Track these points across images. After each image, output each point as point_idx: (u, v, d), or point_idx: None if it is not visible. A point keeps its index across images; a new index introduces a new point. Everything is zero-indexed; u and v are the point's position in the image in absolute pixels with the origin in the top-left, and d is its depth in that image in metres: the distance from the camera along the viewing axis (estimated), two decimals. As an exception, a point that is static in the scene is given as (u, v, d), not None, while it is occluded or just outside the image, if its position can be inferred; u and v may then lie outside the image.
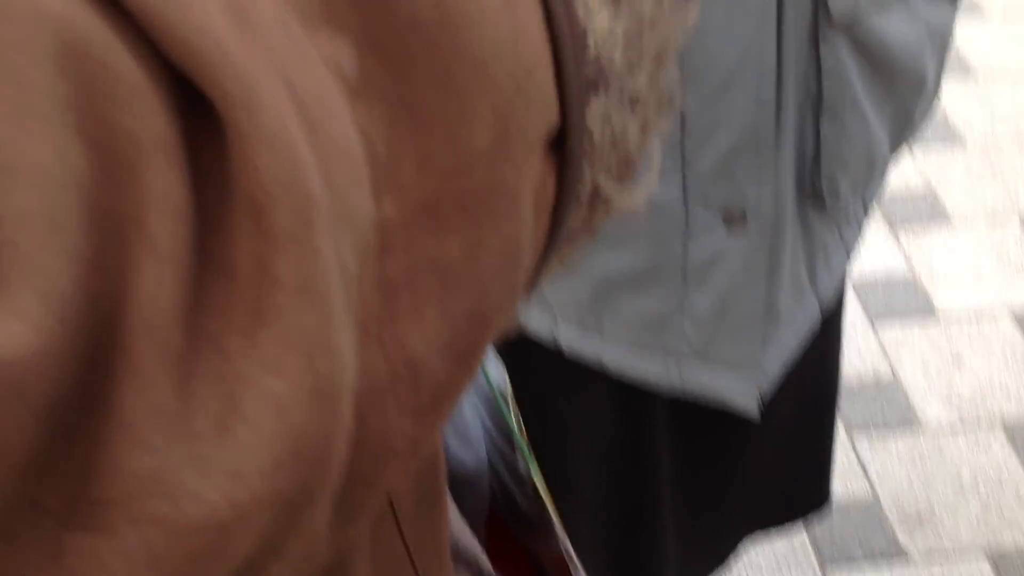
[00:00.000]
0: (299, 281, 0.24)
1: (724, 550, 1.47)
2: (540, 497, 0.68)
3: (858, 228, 1.27)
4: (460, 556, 0.58)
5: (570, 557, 0.67)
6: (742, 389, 1.18)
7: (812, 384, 1.37)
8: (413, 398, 0.28)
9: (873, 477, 2.23)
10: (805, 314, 1.23)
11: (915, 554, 2.09)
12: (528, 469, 0.67)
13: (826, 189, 1.14)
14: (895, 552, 2.09)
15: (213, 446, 0.23)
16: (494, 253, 0.28)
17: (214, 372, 0.24)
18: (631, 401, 1.26)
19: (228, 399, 0.24)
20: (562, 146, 0.31)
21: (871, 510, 2.17)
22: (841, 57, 1.09)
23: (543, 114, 0.29)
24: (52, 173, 0.21)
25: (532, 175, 0.29)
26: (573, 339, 1.21)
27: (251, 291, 0.24)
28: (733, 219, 1.09)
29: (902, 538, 2.11)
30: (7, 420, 0.21)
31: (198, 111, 0.24)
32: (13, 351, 0.20)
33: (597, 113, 0.31)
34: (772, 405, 1.24)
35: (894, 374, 2.46)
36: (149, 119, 0.23)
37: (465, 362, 0.29)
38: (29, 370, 0.20)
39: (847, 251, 1.26)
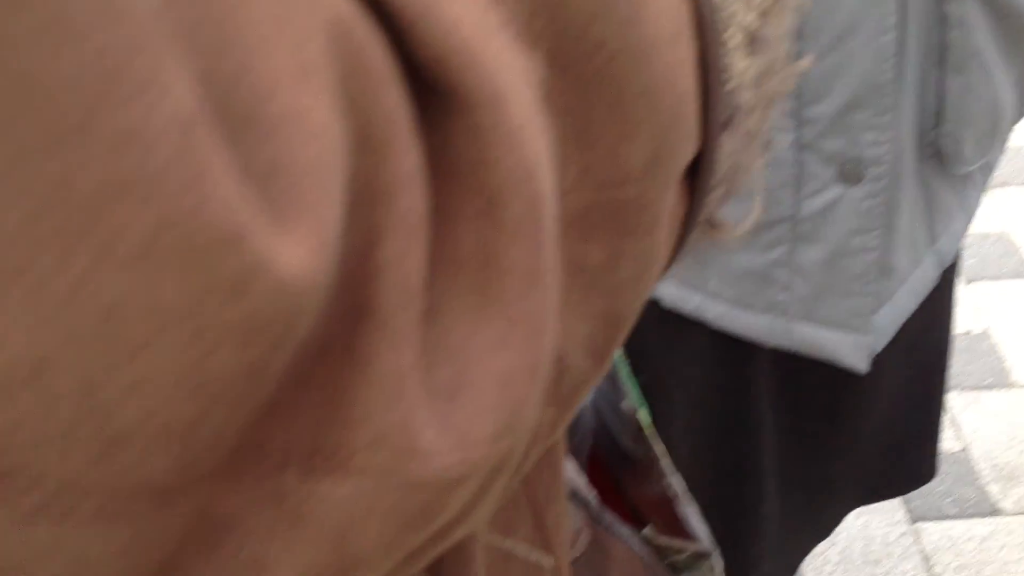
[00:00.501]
0: (527, 269, 0.26)
1: (827, 520, 1.44)
2: (644, 437, 0.67)
3: (979, 191, 1.23)
4: (571, 494, 0.58)
5: (677, 494, 0.67)
6: (852, 347, 1.15)
7: (924, 347, 1.32)
8: (555, 390, 0.30)
9: (965, 434, 2.20)
10: (923, 275, 1.19)
11: (1007, 510, 2.05)
12: (633, 407, 0.66)
13: (948, 147, 1.11)
14: (987, 508, 2.05)
15: (449, 406, 0.25)
16: (631, 263, 0.30)
17: (443, 344, 0.25)
18: (733, 354, 1.23)
19: (458, 369, 0.25)
20: (694, 177, 0.33)
21: (963, 466, 2.14)
22: (968, 9, 1.04)
23: (689, 144, 0.31)
24: (329, 131, 0.22)
25: (670, 198, 0.32)
26: (674, 295, 1.20)
27: (479, 275, 0.26)
28: (848, 173, 1.06)
29: (994, 494, 2.07)
30: (279, 340, 0.21)
31: (423, 105, 0.25)
32: (295, 272, 0.21)
33: (726, 149, 0.33)
34: (882, 366, 1.20)
35: (987, 332, 2.42)
36: (400, 104, 0.24)
37: (600, 359, 0.31)
38: (304, 294, 0.21)
39: (968, 214, 1.22)
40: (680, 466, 1.27)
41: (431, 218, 0.25)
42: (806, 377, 1.25)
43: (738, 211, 0.39)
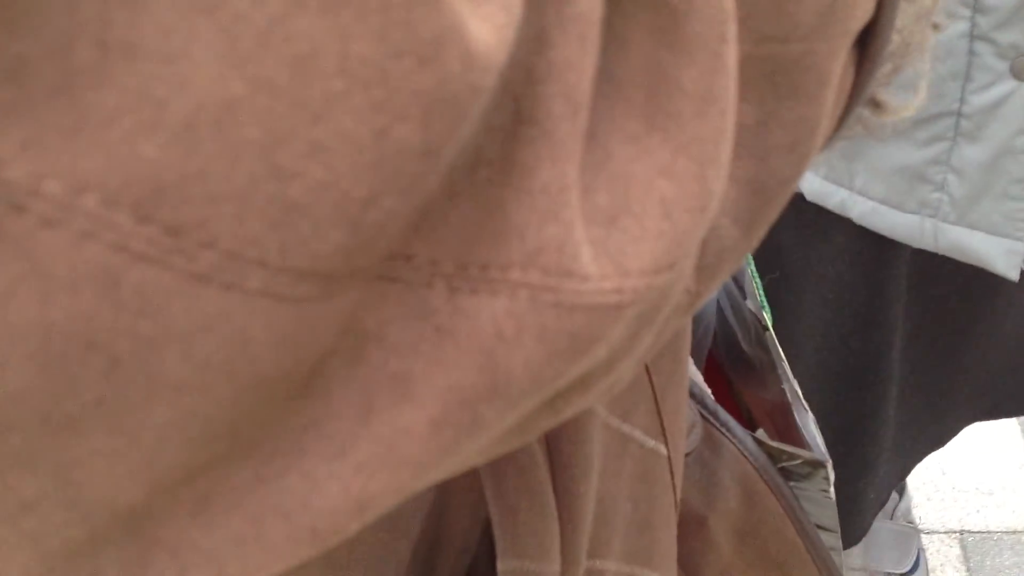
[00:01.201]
0: (704, 91, 0.24)
1: (945, 432, 1.41)
2: (764, 341, 0.63)
3: None
4: (688, 388, 0.57)
5: (793, 390, 0.65)
6: (1005, 254, 1.10)
7: None
8: (701, 256, 0.28)
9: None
10: None
11: None
12: (758, 307, 0.62)
13: None
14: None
15: (606, 232, 0.23)
16: (787, 128, 0.29)
17: (603, 169, 0.23)
18: (872, 255, 1.19)
19: (619, 195, 0.23)
20: (866, 44, 0.31)
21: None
22: None
23: (867, 4, 0.29)
24: None
25: (840, 62, 0.29)
26: (816, 189, 1.16)
27: (648, 96, 0.24)
28: (1023, 67, 0.98)
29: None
30: (457, 120, 0.20)
31: None
32: (483, 49, 0.19)
33: (902, 19, 0.31)
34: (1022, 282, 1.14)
35: None
36: None
37: (748, 229, 0.29)
38: (489, 72, 0.20)
39: None
40: (803, 365, 1.27)
41: (604, 27, 0.23)
42: (945, 284, 1.22)
43: (901, 99, 0.36)
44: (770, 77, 0.27)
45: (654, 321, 0.26)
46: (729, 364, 0.67)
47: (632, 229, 0.23)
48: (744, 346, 0.65)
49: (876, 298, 1.22)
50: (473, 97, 0.20)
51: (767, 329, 0.63)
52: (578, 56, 0.22)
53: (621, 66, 0.24)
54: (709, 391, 0.58)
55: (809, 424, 0.61)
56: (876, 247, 1.17)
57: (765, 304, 0.64)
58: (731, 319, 0.66)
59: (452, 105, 0.19)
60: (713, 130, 0.24)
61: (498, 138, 0.22)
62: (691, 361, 0.60)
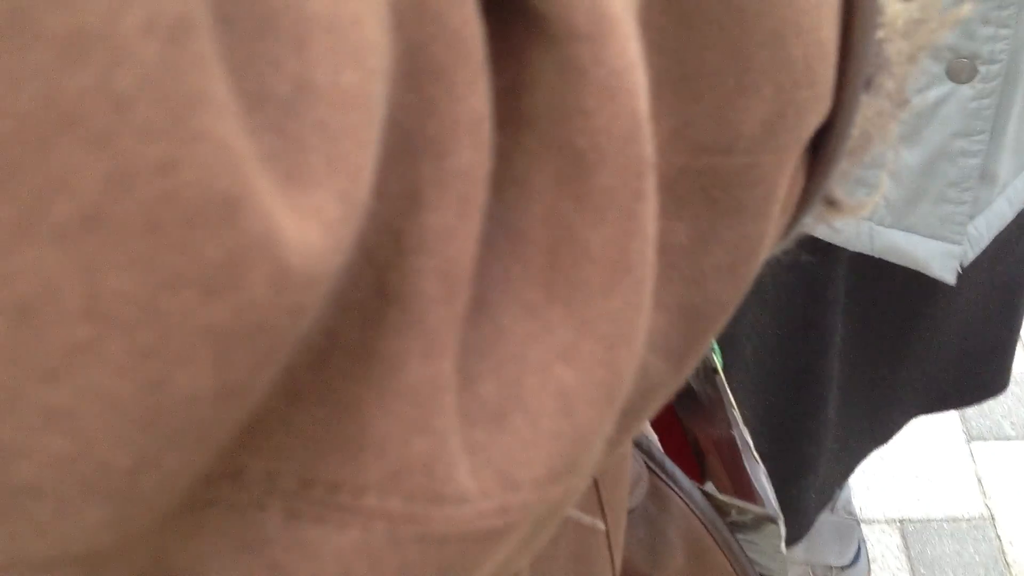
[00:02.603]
0: (615, 258, 0.20)
1: (888, 429, 1.42)
2: (714, 379, 0.65)
3: None
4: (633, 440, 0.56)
5: (743, 439, 0.64)
6: (942, 257, 1.09)
7: (1011, 260, 1.27)
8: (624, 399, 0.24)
9: (1032, 353, 2.11)
10: None
11: (1069, 437, 1.97)
12: (707, 351, 0.60)
13: None
14: (1048, 433, 1.97)
15: (490, 435, 0.19)
16: (727, 248, 0.25)
17: (491, 351, 0.20)
18: (811, 257, 1.18)
19: (508, 385, 0.20)
20: (820, 145, 0.27)
21: (1026, 387, 2.05)
22: None
23: (823, 105, 0.25)
24: (375, 50, 0.16)
25: (789, 173, 0.26)
26: None
27: (547, 262, 0.20)
28: (959, 70, 0.99)
29: (1057, 419, 1.99)
30: (272, 349, 0.16)
31: (499, 33, 0.20)
32: (304, 259, 0.15)
33: (863, 113, 0.28)
34: (965, 277, 1.16)
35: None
36: (471, 23, 0.18)
37: (679, 362, 0.26)
38: (314, 286, 0.16)
39: None
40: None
41: (493, 183, 0.20)
42: (884, 285, 1.22)
43: (858, 197, 0.32)
44: (708, 192, 0.24)
45: (555, 519, 0.22)
46: (676, 400, 0.65)
47: (523, 430, 0.20)
48: (692, 383, 0.63)
49: (814, 301, 1.21)
50: (293, 319, 0.16)
51: (716, 372, 0.61)
52: (458, 222, 0.18)
53: (520, 215, 0.20)
54: (656, 439, 0.56)
55: (760, 477, 0.59)
56: (813, 250, 1.16)
57: (715, 346, 0.62)
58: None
59: (258, 336, 0.15)
60: (625, 305, 0.21)
61: (357, 320, 0.18)
62: None
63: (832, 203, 0.30)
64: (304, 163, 0.15)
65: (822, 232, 1.11)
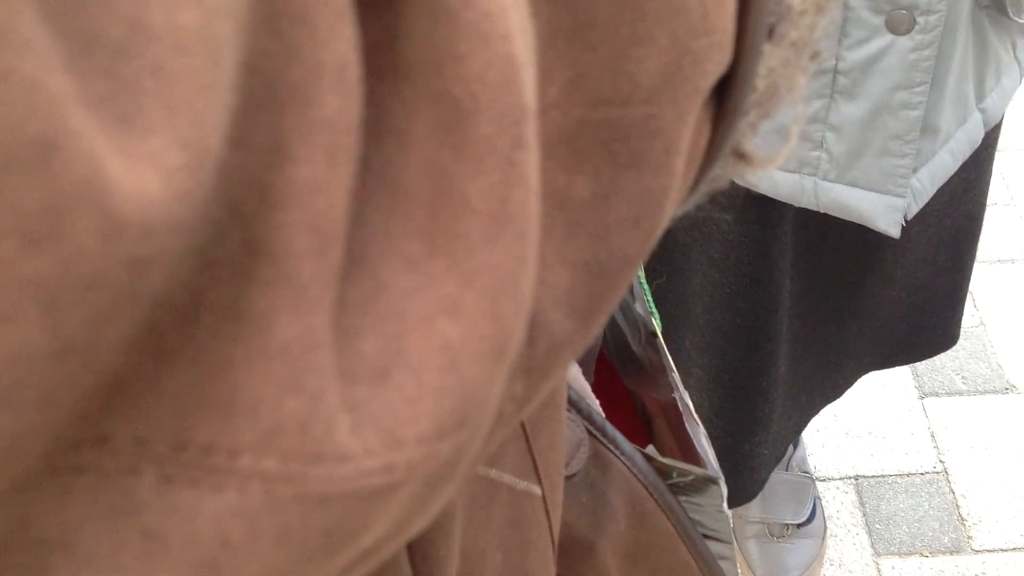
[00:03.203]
0: (496, 208, 0.20)
1: (840, 384, 1.44)
2: (655, 344, 0.64)
3: None
4: (572, 402, 0.55)
5: (683, 402, 0.63)
6: (886, 210, 1.10)
7: (957, 214, 1.29)
8: (528, 356, 0.24)
9: (982, 308, 2.12)
10: (967, 134, 1.13)
11: (1020, 387, 2.00)
12: (646, 311, 0.60)
13: None
14: (999, 385, 2.00)
15: (372, 391, 0.19)
16: (630, 202, 0.25)
17: (372, 306, 0.19)
18: (755, 214, 1.19)
19: (389, 341, 0.19)
20: (721, 97, 0.27)
21: (977, 341, 2.08)
22: None
23: (721, 55, 0.25)
24: None
25: (691, 124, 0.25)
26: None
27: (427, 213, 0.20)
28: (898, 21, 0.99)
29: (1008, 371, 2.01)
30: (111, 304, 0.15)
31: None
32: (139, 208, 0.14)
33: (767, 63, 0.27)
34: (912, 230, 1.15)
35: (1013, 203, 2.32)
36: None
37: (586, 318, 0.25)
38: (155, 238, 0.15)
39: (1020, 71, 1.18)
40: (693, 324, 1.26)
41: (366, 132, 0.19)
42: (830, 241, 1.23)
43: (768, 148, 0.32)
44: (608, 144, 0.23)
45: (453, 476, 0.22)
46: (619, 365, 0.65)
47: (406, 386, 0.19)
48: (634, 347, 0.62)
49: (762, 257, 1.22)
50: (134, 273, 0.15)
51: (656, 335, 0.60)
52: (326, 174, 0.18)
53: (398, 167, 0.20)
54: (597, 404, 0.56)
55: (700, 438, 0.59)
56: (759, 206, 1.17)
57: (654, 309, 0.62)
58: (620, 320, 0.63)
59: (92, 289, 0.15)
60: (508, 256, 0.20)
61: (225, 277, 0.17)
62: (578, 371, 0.58)
63: (742, 155, 0.30)
64: (138, 108, 0.15)
65: (768, 188, 1.11)
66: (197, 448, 0.18)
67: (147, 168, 0.15)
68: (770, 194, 1.13)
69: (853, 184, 1.09)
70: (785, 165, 1.10)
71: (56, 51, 0.14)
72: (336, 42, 0.18)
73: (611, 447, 0.53)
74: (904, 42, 0.99)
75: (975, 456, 1.90)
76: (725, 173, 0.30)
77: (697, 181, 0.28)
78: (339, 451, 0.18)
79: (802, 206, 1.13)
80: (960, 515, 1.81)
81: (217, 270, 0.17)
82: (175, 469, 0.17)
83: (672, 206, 0.26)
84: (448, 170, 0.20)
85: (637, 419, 0.65)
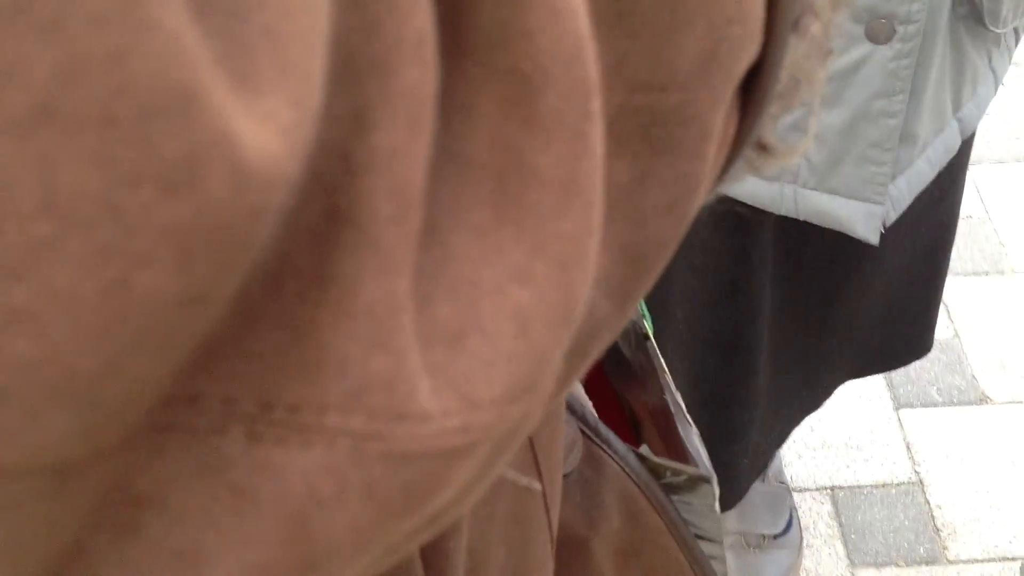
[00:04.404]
0: (565, 179, 0.21)
1: (819, 394, 1.46)
2: (645, 346, 0.65)
3: (1008, 57, 1.20)
4: (566, 403, 0.56)
5: (676, 403, 0.65)
6: (865, 217, 1.12)
7: (932, 223, 1.31)
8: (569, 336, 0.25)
9: (957, 320, 2.15)
10: (945, 143, 1.15)
11: (995, 399, 2.02)
12: (637, 313, 0.61)
13: (986, 5, 1.06)
14: (974, 397, 2.02)
15: (449, 355, 0.20)
16: (666, 187, 0.25)
17: (443, 273, 0.20)
18: (735, 222, 1.21)
19: (464, 307, 0.20)
20: (752, 86, 0.27)
21: (952, 353, 2.10)
22: None
23: (752, 45, 0.26)
24: None
25: (723, 111, 0.26)
26: None
27: (498, 184, 0.20)
28: (877, 30, 1.01)
29: (982, 382, 2.03)
30: (234, 253, 0.16)
31: None
32: (261, 160, 0.15)
33: (791, 55, 0.28)
34: (888, 238, 1.19)
35: (987, 217, 2.35)
36: None
37: (623, 301, 0.26)
38: (272, 189, 0.15)
39: (995, 81, 1.20)
40: (674, 332, 1.27)
41: (440, 104, 0.20)
42: (809, 249, 1.24)
43: (790, 141, 0.33)
44: (646, 130, 0.24)
45: (513, 443, 0.23)
46: (609, 367, 0.66)
47: (481, 350, 0.20)
48: (624, 350, 0.63)
49: (741, 264, 1.23)
50: (254, 223, 0.16)
51: (647, 338, 0.61)
52: (407, 141, 0.18)
53: (465, 141, 0.20)
54: (590, 404, 0.57)
55: (693, 438, 0.60)
56: (740, 214, 1.18)
57: (645, 312, 0.63)
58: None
59: (220, 238, 0.15)
60: (577, 226, 0.21)
61: (308, 242, 0.18)
62: None
63: (764, 147, 0.31)
64: (254, 68, 0.15)
65: (747, 196, 1.13)
66: (284, 407, 0.18)
67: (266, 125, 0.15)
68: (750, 201, 1.14)
69: (833, 191, 1.10)
70: (764, 172, 1.11)
71: (185, 10, 0.14)
72: (416, 16, 0.18)
73: (604, 447, 0.54)
74: (884, 51, 1.01)
75: (950, 467, 1.92)
76: (748, 164, 0.31)
77: (724, 170, 0.29)
78: (421, 411, 0.19)
79: (782, 213, 1.15)
80: (935, 526, 1.83)
81: (301, 235, 0.18)
82: (263, 427, 0.18)
83: (704, 192, 0.27)
84: (517, 143, 0.20)
85: (625, 421, 0.65)
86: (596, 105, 0.21)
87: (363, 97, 0.18)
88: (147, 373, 0.16)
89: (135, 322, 0.15)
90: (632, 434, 0.65)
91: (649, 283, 0.27)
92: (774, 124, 0.30)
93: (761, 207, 1.14)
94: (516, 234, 0.20)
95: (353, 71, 0.18)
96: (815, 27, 0.28)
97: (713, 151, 0.26)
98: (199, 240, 0.15)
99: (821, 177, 1.10)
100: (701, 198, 0.27)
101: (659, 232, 0.26)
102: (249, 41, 0.15)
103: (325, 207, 0.18)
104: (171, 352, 0.16)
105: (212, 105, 0.14)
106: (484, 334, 0.20)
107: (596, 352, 0.26)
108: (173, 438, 0.18)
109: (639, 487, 0.54)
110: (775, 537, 1.74)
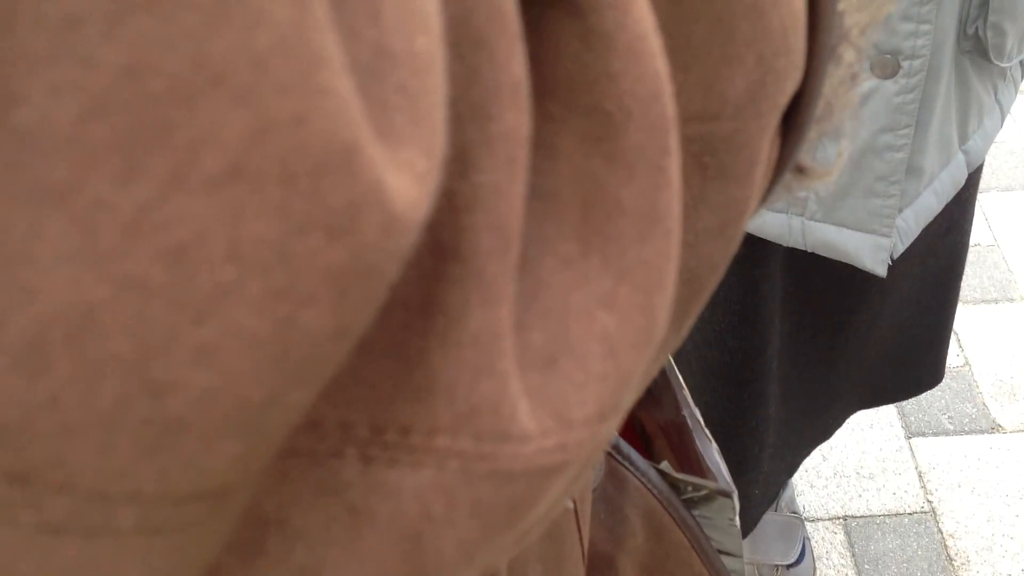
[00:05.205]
0: (647, 209, 0.22)
1: (830, 424, 1.46)
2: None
3: (1014, 89, 1.22)
4: None
5: (694, 418, 0.66)
6: (872, 250, 1.14)
7: (942, 251, 1.33)
8: None
9: (967, 348, 2.16)
10: (951, 175, 1.18)
11: (1006, 427, 2.03)
12: None
13: (991, 40, 1.08)
14: (985, 425, 2.04)
15: (544, 378, 0.21)
16: (716, 211, 0.27)
17: (535, 301, 0.21)
18: (744, 253, 1.22)
19: (555, 333, 0.21)
20: (793, 113, 0.29)
21: (963, 381, 2.12)
22: None
23: (798, 71, 0.27)
24: (434, 18, 0.18)
25: (770, 137, 0.28)
26: None
27: (580, 216, 0.22)
28: (882, 66, 1.03)
29: (993, 410, 2.05)
30: (379, 291, 0.17)
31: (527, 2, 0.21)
32: (405, 207, 0.17)
33: (831, 81, 0.30)
34: (897, 269, 1.21)
35: (995, 245, 2.37)
36: (506, 4, 0.20)
37: (678, 323, 0.27)
38: (411, 233, 0.17)
39: (1001, 113, 1.21)
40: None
41: (532, 143, 0.21)
42: (818, 280, 1.26)
43: (823, 162, 0.35)
44: (698, 158, 0.25)
45: (596, 462, 0.25)
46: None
47: (574, 373, 0.21)
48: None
49: (750, 295, 1.25)
50: (393, 264, 0.17)
51: None
52: (507, 181, 0.20)
53: (549, 178, 0.22)
54: None
55: (712, 453, 0.62)
56: (748, 245, 1.20)
57: None
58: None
59: (369, 278, 0.17)
60: (658, 253, 0.22)
61: (415, 276, 0.19)
62: None
63: (801, 170, 0.32)
64: (391, 122, 0.17)
65: (755, 228, 1.14)
66: (396, 430, 0.19)
67: (405, 174, 0.17)
68: (758, 233, 1.17)
69: (840, 224, 1.13)
70: (772, 205, 1.13)
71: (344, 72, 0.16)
72: (512, 64, 0.20)
73: (626, 463, 0.55)
74: (889, 86, 1.04)
75: (963, 496, 1.93)
76: (786, 187, 0.32)
77: (767, 192, 0.30)
78: (522, 431, 0.20)
79: (790, 245, 1.17)
80: (948, 555, 1.84)
81: (409, 270, 0.19)
82: (376, 451, 0.19)
83: (751, 215, 0.28)
84: (599, 177, 0.22)
85: (636, 438, 0.66)
86: (674, 140, 0.22)
87: (465, 140, 0.19)
88: (301, 401, 0.17)
89: (297, 355, 0.16)
90: (644, 452, 0.66)
91: (701, 305, 0.28)
92: (811, 147, 0.31)
93: (769, 239, 1.17)
94: (602, 263, 0.22)
95: (456, 116, 0.19)
96: (849, 54, 0.30)
97: (760, 175, 0.27)
98: (353, 280, 0.16)
99: (828, 209, 1.12)
100: (747, 220, 0.28)
101: (711, 254, 0.27)
102: (385, 99, 0.17)
103: (431, 243, 0.19)
104: (319, 381, 0.17)
105: (369, 159, 0.16)
106: (575, 357, 0.21)
107: (655, 372, 0.27)
108: (295, 463, 0.19)
109: (661, 503, 0.55)
110: (788, 567, 1.74)
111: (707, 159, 0.26)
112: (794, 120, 0.28)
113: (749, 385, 1.32)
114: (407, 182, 0.17)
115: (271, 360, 0.16)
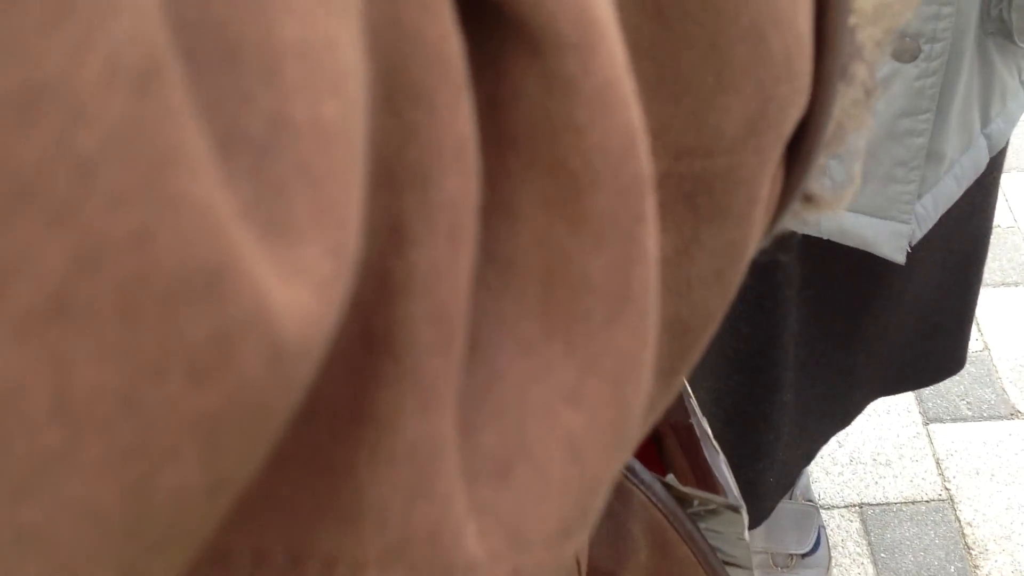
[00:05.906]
0: (617, 286, 0.19)
1: (849, 411, 1.45)
2: None
3: None
4: None
5: (701, 429, 0.64)
6: (890, 237, 1.13)
7: (964, 236, 1.31)
8: None
9: (986, 333, 2.14)
10: (972, 160, 1.15)
11: (1026, 414, 2.01)
12: None
13: (1016, 22, 1.06)
14: (1004, 411, 2.02)
15: (496, 490, 0.18)
16: (712, 255, 0.24)
17: (488, 396, 0.19)
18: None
19: (509, 433, 0.18)
20: (799, 141, 0.26)
21: (982, 366, 2.10)
22: None
23: (803, 98, 0.24)
24: (353, 77, 0.15)
25: (771, 171, 0.25)
26: None
27: (542, 290, 0.19)
28: (903, 49, 1.01)
29: (1013, 396, 2.03)
30: (268, 431, 0.14)
31: (473, 43, 0.18)
32: (298, 328, 0.14)
33: (842, 102, 0.27)
34: (917, 255, 1.19)
35: (1017, 227, 2.35)
36: (450, 38, 0.17)
37: (669, 378, 0.25)
38: (311, 356, 0.14)
39: None
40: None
41: (483, 211, 0.18)
42: (836, 266, 1.24)
43: (835, 191, 0.32)
44: (691, 198, 0.23)
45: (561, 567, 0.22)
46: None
47: (532, 483, 0.18)
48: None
49: (765, 283, 1.24)
50: (288, 395, 0.14)
51: None
52: (449, 259, 0.17)
53: (508, 244, 0.19)
54: None
55: (720, 465, 0.60)
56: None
57: None
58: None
59: (251, 420, 0.14)
60: (630, 338, 0.19)
61: (343, 374, 0.17)
62: None
63: (810, 198, 0.29)
64: (287, 213, 0.14)
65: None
66: (318, 560, 0.17)
67: (301, 282, 0.14)
68: (773, 220, 1.15)
69: (858, 211, 1.11)
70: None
71: (210, 159, 0.13)
72: (456, 120, 0.17)
73: (630, 476, 0.54)
74: (909, 70, 1.02)
75: (981, 483, 1.92)
76: (793, 216, 0.29)
77: (770, 228, 0.27)
78: (468, 560, 0.18)
79: (806, 232, 1.15)
80: (966, 543, 1.83)
81: (336, 367, 0.16)
82: None
83: (748, 258, 0.26)
84: (564, 246, 0.19)
85: (647, 440, 0.65)
86: (649, 206, 0.20)
87: (401, 210, 0.17)
88: (173, 562, 0.15)
89: (157, 523, 0.14)
90: (654, 452, 0.64)
91: (695, 358, 0.25)
92: (820, 173, 0.29)
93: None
94: (565, 349, 0.19)
95: (390, 181, 0.17)
96: (861, 71, 0.27)
97: (760, 213, 0.25)
98: (228, 426, 0.13)
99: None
100: (747, 261, 0.26)
101: (705, 303, 0.24)
102: (281, 181, 0.14)
103: (361, 334, 0.17)
104: (195, 541, 0.15)
105: (243, 277, 0.13)
106: (533, 463, 0.18)
107: (639, 437, 0.24)
108: None
109: (667, 517, 0.54)
110: (803, 556, 1.74)
111: (700, 199, 0.23)
112: (800, 148, 0.26)
113: (764, 372, 1.31)
114: (304, 294, 0.14)
115: (121, 534, 0.13)
